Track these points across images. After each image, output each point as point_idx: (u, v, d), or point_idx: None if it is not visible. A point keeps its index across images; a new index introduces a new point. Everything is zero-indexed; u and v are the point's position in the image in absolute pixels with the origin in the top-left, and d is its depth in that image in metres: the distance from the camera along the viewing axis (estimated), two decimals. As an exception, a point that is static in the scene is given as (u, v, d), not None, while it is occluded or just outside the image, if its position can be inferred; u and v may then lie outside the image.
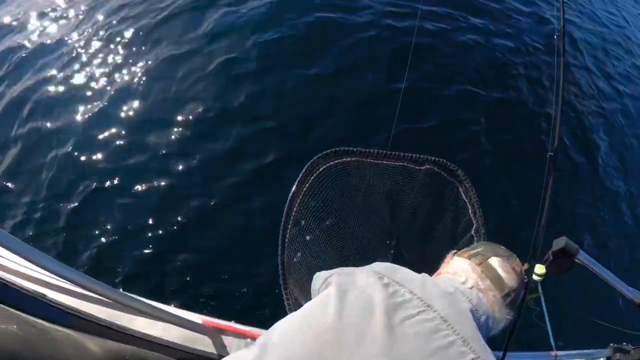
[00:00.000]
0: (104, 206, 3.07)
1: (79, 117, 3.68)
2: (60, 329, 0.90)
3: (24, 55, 4.40)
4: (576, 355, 1.39)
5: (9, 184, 3.31)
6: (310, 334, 0.65)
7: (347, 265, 0.88)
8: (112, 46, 4.29)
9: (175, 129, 3.50)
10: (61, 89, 3.96)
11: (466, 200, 1.60)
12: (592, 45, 5.65)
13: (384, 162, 1.66)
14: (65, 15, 4.84)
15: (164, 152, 3.35)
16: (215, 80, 3.84)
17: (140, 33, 4.38)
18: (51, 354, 0.77)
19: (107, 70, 4.06)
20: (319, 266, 1.56)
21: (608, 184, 3.89)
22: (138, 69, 4.02)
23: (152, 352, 1.13)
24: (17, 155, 3.51)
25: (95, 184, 3.19)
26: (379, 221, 1.74)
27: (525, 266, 0.99)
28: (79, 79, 4.02)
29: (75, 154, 3.41)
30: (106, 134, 3.53)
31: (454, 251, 1.03)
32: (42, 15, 4.88)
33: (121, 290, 1.25)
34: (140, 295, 1.15)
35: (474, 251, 0.96)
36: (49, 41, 4.51)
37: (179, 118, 3.57)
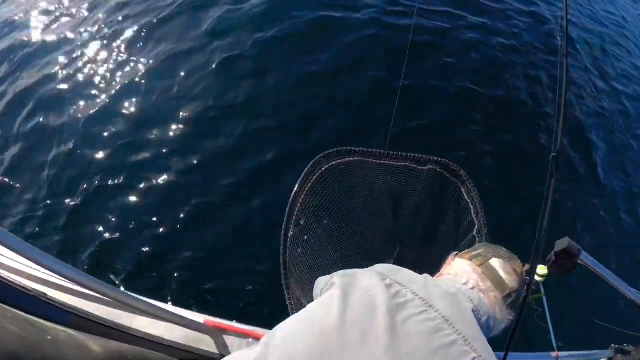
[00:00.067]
0: (104, 204, 3.07)
1: (80, 115, 3.68)
2: (61, 328, 0.90)
3: (26, 53, 4.40)
4: (577, 356, 1.40)
5: (10, 182, 3.31)
6: (313, 333, 0.65)
7: (348, 266, 0.88)
8: (113, 44, 4.29)
9: (176, 128, 3.50)
10: (63, 87, 3.96)
11: (468, 201, 1.60)
12: (591, 45, 5.66)
13: (387, 162, 1.65)
14: (68, 13, 4.83)
15: (164, 150, 3.35)
16: (215, 79, 3.85)
17: (142, 31, 4.38)
18: (52, 353, 0.77)
19: (108, 68, 4.06)
20: (320, 266, 1.56)
21: (607, 183, 3.89)
22: (139, 67, 4.02)
23: (154, 351, 1.13)
24: (18, 153, 3.51)
25: (95, 182, 3.19)
26: (381, 221, 1.74)
27: (526, 267, 0.99)
28: (80, 77, 4.02)
29: (77, 152, 3.41)
30: (107, 132, 3.53)
31: (455, 253, 1.04)
32: (45, 13, 4.87)
33: (122, 289, 1.24)
34: (142, 295, 1.15)
35: (475, 252, 0.97)
36: (51, 39, 4.50)
37: (180, 116, 3.57)
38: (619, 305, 2.78)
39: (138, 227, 2.92)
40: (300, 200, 1.53)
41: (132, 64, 4.06)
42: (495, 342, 0.83)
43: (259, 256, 2.78)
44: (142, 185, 3.15)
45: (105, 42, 4.34)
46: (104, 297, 1.10)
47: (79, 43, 4.38)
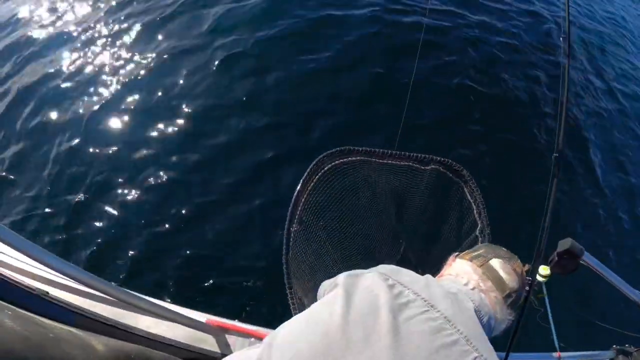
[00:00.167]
0: (104, 202, 3.07)
1: (82, 113, 3.69)
2: (65, 327, 0.90)
3: (29, 50, 4.41)
4: (579, 357, 1.40)
5: (13, 179, 3.32)
6: (317, 333, 0.65)
7: (350, 266, 0.89)
8: (116, 43, 4.30)
9: (177, 126, 3.50)
10: (66, 84, 3.97)
11: (471, 201, 1.61)
12: (590, 44, 5.66)
13: (389, 161, 1.65)
14: (71, 10, 4.85)
15: (165, 148, 3.35)
16: (217, 77, 3.85)
17: (145, 29, 4.39)
18: (55, 352, 0.77)
19: (109, 67, 4.06)
20: (322, 266, 1.56)
21: (607, 183, 3.89)
22: (140, 65, 4.02)
23: (156, 350, 1.13)
24: (21, 150, 3.52)
25: (96, 179, 3.19)
26: (384, 221, 1.74)
27: (527, 267, 1.00)
28: (82, 75, 4.03)
29: (78, 149, 3.41)
30: (108, 130, 3.54)
31: (456, 253, 1.04)
32: (48, 11, 4.89)
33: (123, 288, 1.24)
34: (143, 293, 1.15)
35: (476, 253, 0.98)
36: (54, 36, 4.51)
37: (181, 115, 3.57)
38: (620, 306, 2.77)
39: (139, 225, 2.92)
40: (303, 199, 1.53)
41: (133, 62, 4.06)
42: (497, 342, 0.84)
43: (259, 254, 2.78)
44: (143, 184, 3.15)
45: (107, 40, 4.35)
46: (107, 296, 1.10)
47: (82, 41, 4.38)
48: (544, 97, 4.29)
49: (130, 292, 1.09)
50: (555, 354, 1.29)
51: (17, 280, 1.06)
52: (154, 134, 3.47)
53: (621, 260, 3.37)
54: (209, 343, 1.29)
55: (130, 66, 4.03)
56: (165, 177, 3.17)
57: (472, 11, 4.99)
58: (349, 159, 1.61)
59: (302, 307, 1.38)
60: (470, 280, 0.88)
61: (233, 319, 1.37)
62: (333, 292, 0.74)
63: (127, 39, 4.32)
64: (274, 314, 2.46)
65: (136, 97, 3.75)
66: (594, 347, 1.43)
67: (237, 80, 3.83)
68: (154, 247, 2.82)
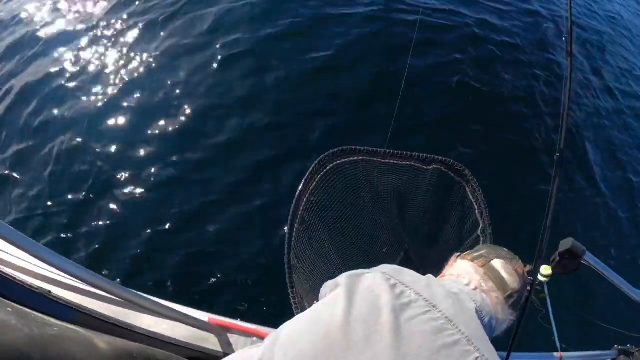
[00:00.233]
0: (105, 201, 3.08)
1: (84, 112, 3.69)
2: (67, 325, 0.90)
3: (32, 48, 4.41)
4: (581, 357, 1.40)
5: (15, 177, 3.32)
6: (319, 332, 0.65)
7: (352, 265, 0.89)
8: (118, 42, 4.30)
9: (178, 125, 3.51)
10: (68, 83, 3.97)
11: (473, 201, 1.60)
12: (590, 44, 5.64)
13: (391, 161, 1.65)
14: (74, 9, 4.85)
15: (167, 147, 3.36)
16: (217, 76, 3.85)
17: (147, 29, 4.39)
18: (57, 350, 0.77)
19: (110, 66, 4.07)
20: (324, 265, 1.56)
21: (606, 183, 3.89)
22: (142, 65, 4.03)
23: (158, 349, 1.13)
24: (23, 148, 3.52)
25: (97, 178, 3.20)
26: (386, 221, 1.74)
27: (528, 268, 1.00)
28: (85, 74, 4.03)
29: (80, 148, 3.42)
30: (110, 129, 3.54)
31: (457, 254, 1.05)
32: (51, 10, 4.90)
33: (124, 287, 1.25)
34: (143, 292, 1.15)
35: (477, 253, 0.98)
36: (57, 35, 4.52)
37: (182, 114, 3.57)
38: (622, 306, 2.77)
39: (140, 224, 2.93)
40: (304, 199, 1.53)
41: (135, 62, 4.07)
42: (498, 342, 0.84)
43: (259, 253, 2.78)
44: (144, 183, 3.15)
45: (109, 39, 4.35)
46: (109, 295, 1.11)
47: (84, 40, 4.39)
48: (543, 97, 4.28)
49: (133, 290, 1.09)
50: (557, 354, 1.29)
51: (20, 278, 1.06)
52: (155, 133, 3.47)
53: (622, 260, 3.37)
54: (211, 342, 1.29)
55: (132, 66, 4.04)
56: (166, 176, 3.18)
57: (472, 10, 4.99)
58: (351, 158, 1.61)
59: (304, 307, 1.38)
60: (471, 280, 0.88)
61: (235, 318, 1.37)
62: (335, 292, 0.74)
63: (129, 38, 4.33)
64: (275, 313, 2.46)
65: (137, 96, 3.76)
66: (595, 347, 1.43)
67: (237, 79, 3.83)
68: (155, 246, 2.82)
